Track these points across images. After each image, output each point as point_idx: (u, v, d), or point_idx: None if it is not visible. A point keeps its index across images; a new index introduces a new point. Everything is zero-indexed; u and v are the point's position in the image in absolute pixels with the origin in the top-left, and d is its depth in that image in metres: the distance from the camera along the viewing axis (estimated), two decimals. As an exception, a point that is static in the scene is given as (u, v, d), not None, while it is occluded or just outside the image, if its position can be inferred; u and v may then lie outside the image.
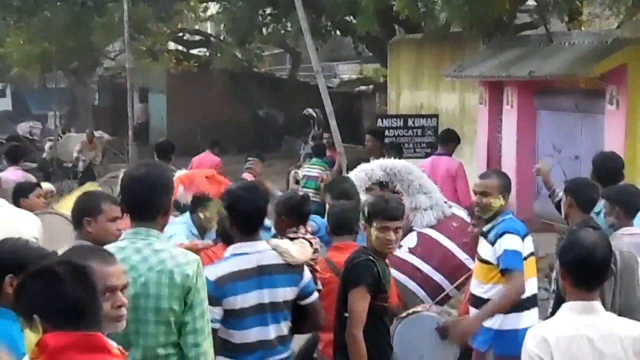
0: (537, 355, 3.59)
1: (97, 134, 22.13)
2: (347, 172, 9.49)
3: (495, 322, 5.86)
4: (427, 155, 14.11)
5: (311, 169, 12.90)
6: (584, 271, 3.66)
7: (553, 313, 5.37)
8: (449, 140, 10.90)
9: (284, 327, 4.91)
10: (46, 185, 9.63)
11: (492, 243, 5.82)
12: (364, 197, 7.09)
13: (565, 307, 3.70)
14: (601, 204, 6.31)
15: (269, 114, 29.19)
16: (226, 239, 5.84)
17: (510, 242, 5.76)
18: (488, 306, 5.75)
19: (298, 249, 5.01)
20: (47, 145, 23.54)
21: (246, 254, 4.76)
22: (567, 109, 13.10)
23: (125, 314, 3.32)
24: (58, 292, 2.76)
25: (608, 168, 7.01)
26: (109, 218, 4.78)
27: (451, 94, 16.11)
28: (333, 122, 11.34)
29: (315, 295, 5.06)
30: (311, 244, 5.59)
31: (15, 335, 3.42)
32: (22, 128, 28.72)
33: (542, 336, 3.62)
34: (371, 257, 5.17)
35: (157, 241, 4.04)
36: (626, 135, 11.53)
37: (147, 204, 4.08)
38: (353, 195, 7.60)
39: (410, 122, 14.48)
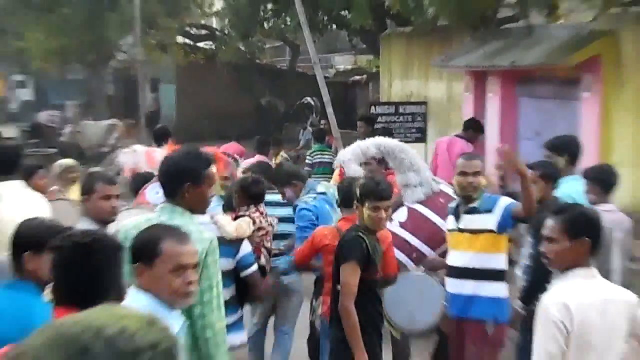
0: (560, 321, 3.52)
1: (111, 122, 22.08)
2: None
3: (495, 291, 5.82)
4: (417, 140, 14.11)
5: (323, 156, 12.61)
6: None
7: (535, 282, 5.31)
8: (469, 127, 10.85)
9: (225, 294, 4.97)
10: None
11: (489, 211, 5.78)
12: (359, 170, 7.08)
13: (573, 274, 3.65)
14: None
15: (271, 102, 29.12)
16: (229, 208, 6.03)
17: (509, 199, 5.81)
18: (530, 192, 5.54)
19: (235, 225, 5.10)
20: (68, 130, 23.57)
21: None
22: (546, 96, 13.07)
23: (195, 291, 3.34)
24: (64, 270, 2.76)
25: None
26: (101, 196, 4.90)
27: (439, 83, 16.07)
28: (330, 110, 11.35)
29: (254, 268, 5.15)
30: (254, 222, 5.73)
31: (33, 308, 3.41)
32: (43, 117, 28.67)
33: (563, 303, 3.54)
34: (361, 234, 5.19)
35: (179, 218, 4.04)
36: (600, 121, 11.52)
37: (163, 183, 4.19)
38: (298, 173, 7.62)
39: (401, 109, 14.46)
